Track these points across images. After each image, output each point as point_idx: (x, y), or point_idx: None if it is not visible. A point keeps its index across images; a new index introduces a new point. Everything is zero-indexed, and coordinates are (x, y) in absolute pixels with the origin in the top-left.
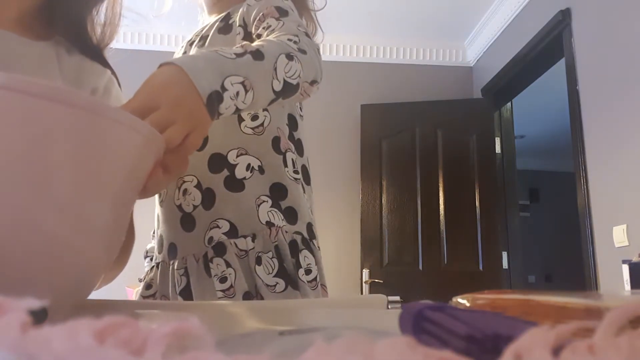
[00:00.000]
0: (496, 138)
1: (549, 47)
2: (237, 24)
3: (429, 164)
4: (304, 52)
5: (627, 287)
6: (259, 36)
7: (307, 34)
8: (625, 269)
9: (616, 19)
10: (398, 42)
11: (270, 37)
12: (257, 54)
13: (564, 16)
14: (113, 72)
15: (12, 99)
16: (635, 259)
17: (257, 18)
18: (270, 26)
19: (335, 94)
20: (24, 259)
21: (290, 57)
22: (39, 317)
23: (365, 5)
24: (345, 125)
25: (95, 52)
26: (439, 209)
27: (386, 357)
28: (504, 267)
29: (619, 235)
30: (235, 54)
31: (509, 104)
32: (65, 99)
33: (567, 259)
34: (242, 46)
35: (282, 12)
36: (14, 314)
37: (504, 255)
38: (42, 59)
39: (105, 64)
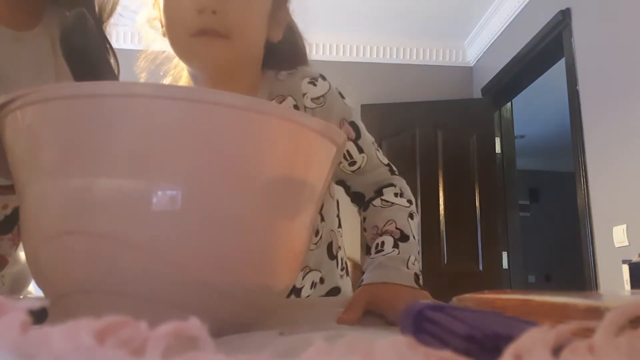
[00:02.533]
0: (496, 138)
1: (549, 47)
2: None
3: (429, 164)
4: (415, 212)
5: (627, 287)
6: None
7: (392, 169)
8: (625, 269)
9: (616, 19)
10: (398, 42)
11: (389, 198)
12: (404, 237)
13: (564, 16)
14: (113, 52)
15: (224, 113)
16: (635, 259)
17: None
18: (354, 161)
19: None
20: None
21: (411, 216)
22: (39, 317)
23: (366, 5)
24: None
25: (97, 30)
26: (439, 209)
27: (386, 357)
28: (504, 267)
29: (619, 235)
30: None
31: (509, 104)
32: (273, 111)
33: (567, 259)
34: (390, 234)
35: (357, 132)
36: (14, 314)
37: (504, 255)
38: (37, 55)
39: (105, 43)
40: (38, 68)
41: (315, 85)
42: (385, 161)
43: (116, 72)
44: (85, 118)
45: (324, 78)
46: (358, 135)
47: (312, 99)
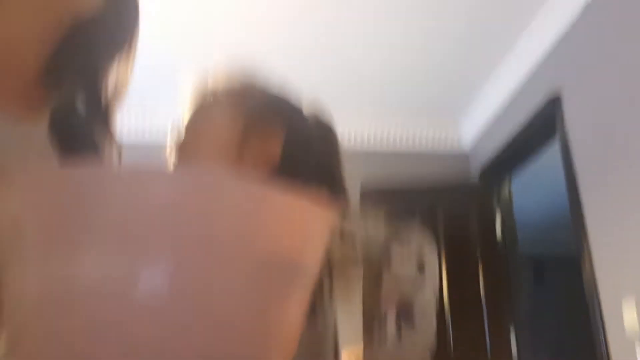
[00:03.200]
0: (496, 220)
1: (542, 131)
2: None
3: None
4: None
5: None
6: None
7: None
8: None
9: (606, 101)
10: (394, 131)
11: None
12: None
13: (555, 100)
14: (116, 138)
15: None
16: None
17: None
18: None
19: None
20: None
21: None
22: None
23: (361, 95)
24: None
25: (102, 115)
26: (442, 293)
27: None
28: (513, 354)
29: (630, 314)
30: None
31: (507, 186)
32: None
33: (577, 339)
34: None
35: None
36: None
37: (512, 339)
38: (41, 147)
39: (109, 128)
40: (41, 160)
41: None
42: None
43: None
44: (67, 199)
45: None
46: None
47: None
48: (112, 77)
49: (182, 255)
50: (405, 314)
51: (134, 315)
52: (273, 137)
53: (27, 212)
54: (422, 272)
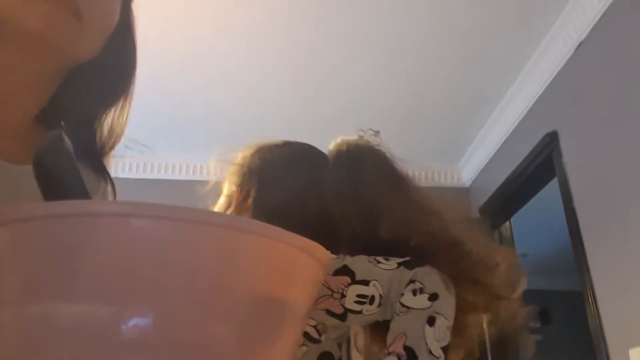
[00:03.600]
0: None
1: (540, 167)
2: None
3: None
4: (437, 311)
5: None
6: None
7: (409, 263)
8: None
9: (602, 137)
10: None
11: (407, 300)
12: (413, 357)
13: (552, 138)
14: (111, 182)
15: (210, 233)
16: None
17: None
18: (372, 296)
19: None
20: None
21: (431, 321)
22: None
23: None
24: None
25: (96, 161)
26: None
27: None
28: None
29: (637, 358)
30: None
31: (508, 222)
32: (256, 229)
33: None
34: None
35: (349, 273)
36: None
37: None
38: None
39: (103, 173)
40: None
41: None
42: (394, 264)
43: (108, 198)
44: (46, 239)
45: None
46: (352, 274)
47: None
48: (107, 122)
49: (164, 302)
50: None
51: (115, 351)
52: None
53: (7, 253)
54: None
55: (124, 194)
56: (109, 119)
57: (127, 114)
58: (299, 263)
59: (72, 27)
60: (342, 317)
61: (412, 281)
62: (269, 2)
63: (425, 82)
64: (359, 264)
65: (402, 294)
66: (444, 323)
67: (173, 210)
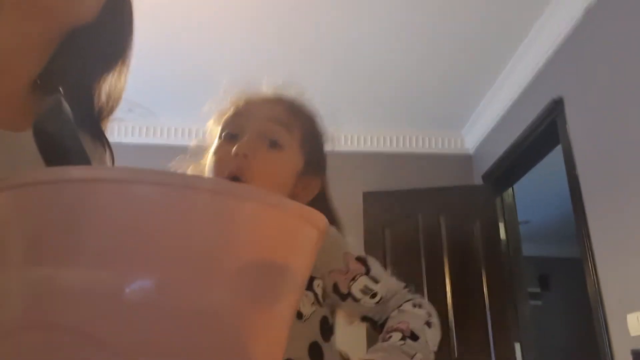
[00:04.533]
0: (500, 224)
1: (545, 134)
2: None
3: (433, 252)
4: (435, 323)
5: None
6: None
7: (411, 290)
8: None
9: (608, 105)
10: (397, 131)
11: (406, 308)
12: (414, 336)
13: (557, 104)
14: (110, 148)
15: (208, 199)
16: None
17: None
18: (375, 292)
19: (337, 183)
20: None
21: (429, 324)
22: None
23: (365, 97)
24: (347, 213)
25: (94, 126)
26: (446, 298)
27: None
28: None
29: (634, 323)
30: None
31: (511, 189)
32: (253, 196)
33: (582, 348)
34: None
35: (365, 265)
36: None
37: (517, 346)
38: (35, 156)
39: (101, 138)
40: (31, 168)
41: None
42: (402, 284)
43: (107, 162)
44: (50, 204)
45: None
46: (367, 268)
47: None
48: (105, 87)
49: (165, 267)
50: None
51: (117, 314)
52: (317, 181)
53: (11, 217)
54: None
55: (124, 160)
56: (106, 83)
57: (125, 78)
58: (296, 229)
59: None
60: (343, 297)
61: (410, 299)
62: None
63: (428, 46)
64: (377, 265)
65: (400, 305)
66: (436, 332)
67: (170, 177)
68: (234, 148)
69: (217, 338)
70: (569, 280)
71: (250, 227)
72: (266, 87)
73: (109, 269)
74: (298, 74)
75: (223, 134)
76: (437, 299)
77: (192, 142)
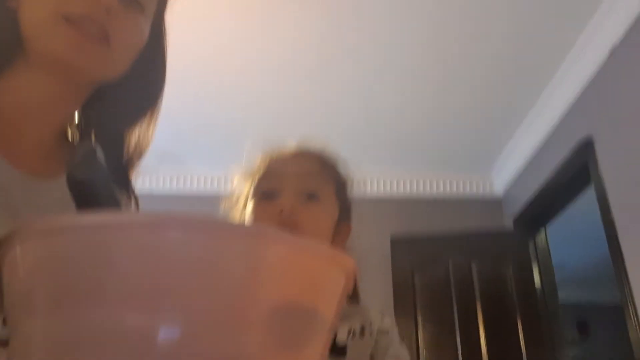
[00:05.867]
0: (534, 269)
1: (576, 176)
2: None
3: (465, 298)
4: None
5: None
6: None
7: None
8: None
9: (638, 143)
10: (425, 175)
11: None
12: None
13: (587, 145)
14: (135, 197)
15: (228, 241)
16: None
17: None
18: None
19: (364, 228)
20: None
21: None
22: None
23: (393, 140)
24: (375, 258)
25: (122, 175)
26: (480, 346)
27: None
28: None
29: None
30: None
31: (543, 233)
32: (282, 239)
33: None
34: None
35: None
36: None
37: None
38: (62, 204)
39: (127, 188)
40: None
41: (383, 318)
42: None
43: (132, 210)
44: (80, 250)
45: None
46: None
47: (379, 329)
48: (134, 137)
49: (193, 312)
50: None
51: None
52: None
53: (39, 262)
54: None
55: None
56: (135, 133)
57: (154, 129)
58: (325, 273)
59: (100, 53)
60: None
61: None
62: (293, 14)
63: (455, 90)
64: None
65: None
66: None
67: (198, 222)
68: (279, 205)
69: None
70: (609, 326)
71: (279, 270)
72: (291, 143)
73: (135, 315)
74: (325, 120)
75: (259, 193)
76: (470, 345)
77: (220, 194)
